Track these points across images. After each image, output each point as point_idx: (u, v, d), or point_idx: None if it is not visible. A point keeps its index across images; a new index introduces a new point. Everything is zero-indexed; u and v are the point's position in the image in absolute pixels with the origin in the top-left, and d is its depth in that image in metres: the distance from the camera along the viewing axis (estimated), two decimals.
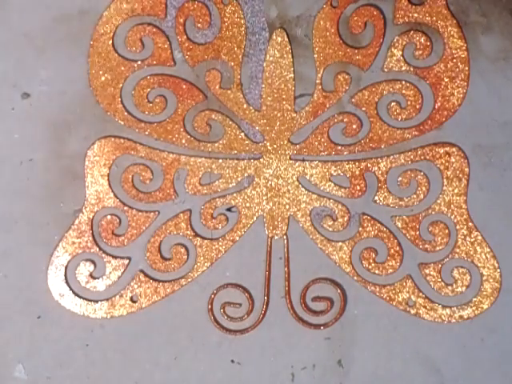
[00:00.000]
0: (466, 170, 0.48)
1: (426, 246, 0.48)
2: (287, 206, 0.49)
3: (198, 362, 0.49)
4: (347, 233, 0.49)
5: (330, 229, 0.49)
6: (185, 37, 0.48)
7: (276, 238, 0.49)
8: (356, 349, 0.49)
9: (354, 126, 0.49)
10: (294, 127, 0.49)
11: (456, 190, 0.48)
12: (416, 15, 0.48)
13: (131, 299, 0.48)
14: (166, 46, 0.48)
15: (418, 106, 0.48)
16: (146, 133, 0.48)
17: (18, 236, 0.48)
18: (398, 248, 0.48)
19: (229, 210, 0.49)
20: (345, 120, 0.49)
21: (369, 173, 0.49)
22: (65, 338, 0.48)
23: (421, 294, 0.48)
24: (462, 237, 0.48)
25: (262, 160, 0.49)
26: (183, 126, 0.49)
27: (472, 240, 0.48)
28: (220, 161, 0.49)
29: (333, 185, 0.49)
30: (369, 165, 0.49)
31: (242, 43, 0.48)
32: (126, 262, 0.48)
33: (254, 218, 0.49)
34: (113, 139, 0.48)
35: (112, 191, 0.48)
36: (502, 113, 0.49)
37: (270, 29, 0.49)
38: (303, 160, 0.49)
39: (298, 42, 0.49)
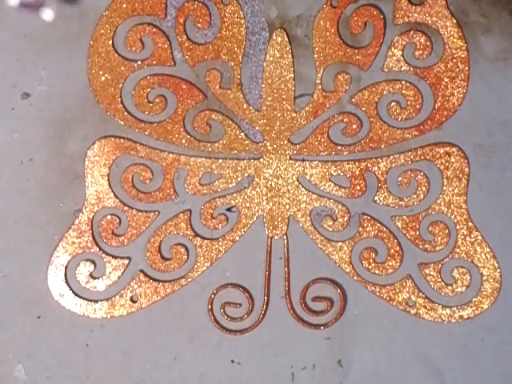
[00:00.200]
0: (466, 170, 0.48)
1: (426, 245, 0.48)
2: (287, 206, 0.49)
3: (198, 362, 0.49)
4: (347, 233, 0.49)
5: (330, 229, 0.49)
6: (185, 37, 0.48)
7: (276, 237, 0.49)
8: (356, 349, 0.49)
9: (354, 126, 0.49)
10: (294, 127, 0.49)
11: (456, 190, 0.48)
12: (416, 15, 0.48)
13: (131, 299, 0.48)
14: (165, 46, 0.48)
15: (418, 106, 0.48)
16: (146, 133, 0.48)
17: (18, 236, 0.48)
18: (397, 248, 0.48)
19: (229, 209, 0.49)
20: (345, 120, 0.49)
21: (369, 173, 0.49)
22: (65, 338, 0.48)
23: (421, 294, 0.48)
24: (462, 237, 0.48)
25: (262, 160, 0.49)
26: (183, 126, 0.49)
27: (472, 240, 0.48)
28: (220, 161, 0.49)
29: (333, 185, 0.49)
30: (369, 165, 0.49)
31: (242, 43, 0.48)
32: (126, 261, 0.48)
33: (254, 218, 0.49)
34: (113, 139, 0.48)
35: (112, 191, 0.48)
36: (502, 113, 0.49)
37: (270, 29, 0.49)
38: (303, 160, 0.49)
39: (298, 42, 0.49)
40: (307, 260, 0.49)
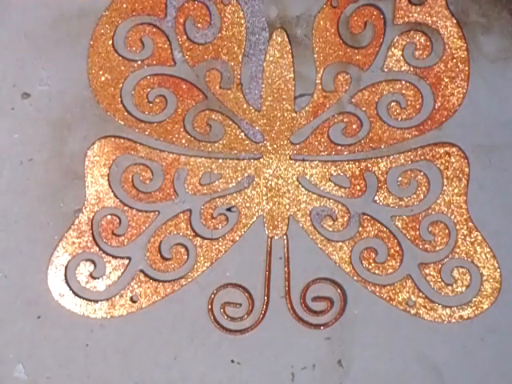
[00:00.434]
0: (466, 170, 0.48)
1: (426, 245, 0.48)
2: (287, 206, 0.49)
3: (198, 362, 0.49)
4: (347, 233, 0.49)
5: (330, 229, 0.49)
6: (185, 37, 0.48)
7: (276, 238, 0.49)
8: (356, 349, 0.49)
9: (354, 126, 0.49)
10: (294, 127, 0.49)
11: (456, 190, 0.48)
12: (416, 15, 0.48)
13: (131, 299, 0.48)
14: (166, 46, 0.48)
15: (418, 106, 0.48)
16: (146, 133, 0.48)
17: (18, 236, 0.48)
18: (398, 248, 0.48)
19: (229, 209, 0.49)
20: (345, 120, 0.49)
21: (369, 173, 0.49)
22: (65, 338, 0.48)
23: (421, 294, 0.48)
24: (462, 237, 0.48)
25: (262, 160, 0.49)
26: (183, 126, 0.49)
27: (472, 240, 0.48)
28: (220, 161, 0.49)
29: (333, 185, 0.49)
30: (369, 165, 0.49)
31: (242, 43, 0.48)
32: (126, 261, 0.48)
33: (254, 218, 0.49)
34: (113, 139, 0.48)
35: (112, 191, 0.48)
36: (502, 113, 0.49)
37: (270, 29, 0.49)
38: (303, 160, 0.49)
39: (298, 42, 0.49)
40: (307, 260, 0.49)
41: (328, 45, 0.48)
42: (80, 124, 0.48)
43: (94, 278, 0.48)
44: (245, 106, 0.49)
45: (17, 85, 0.49)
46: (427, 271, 0.48)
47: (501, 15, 0.49)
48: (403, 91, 0.49)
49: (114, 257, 0.48)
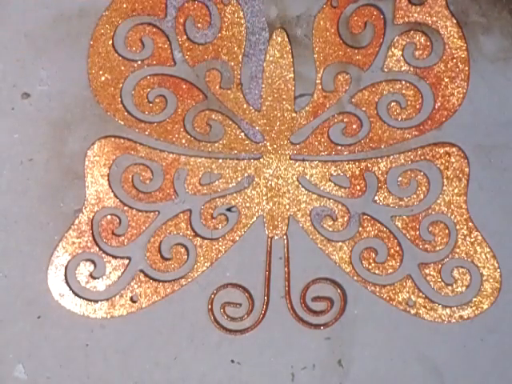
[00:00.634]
0: (466, 170, 0.48)
1: (426, 245, 0.48)
2: (287, 206, 0.49)
3: (198, 362, 0.49)
4: (347, 233, 0.49)
5: (330, 229, 0.49)
6: (185, 37, 0.48)
7: (276, 237, 0.49)
8: (356, 349, 0.49)
9: (354, 126, 0.49)
10: (294, 127, 0.49)
11: (456, 190, 0.48)
12: (416, 15, 0.48)
13: (131, 299, 0.48)
14: (166, 46, 0.48)
15: (418, 106, 0.48)
16: (146, 133, 0.48)
17: (18, 236, 0.48)
18: (398, 248, 0.48)
19: (229, 209, 0.49)
20: (345, 120, 0.49)
21: (369, 173, 0.49)
22: (65, 338, 0.48)
23: (421, 294, 0.48)
24: (462, 237, 0.48)
25: (262, 160, 0.49)
26: (183, 126, 0.49)
27: (472, 240, 0.48)
28: (220, 161, 0.49)
29: (333, 185, 0.49)
30: (369, 165, 0.49)
31: (242, 43, 0.48)
32: (126, 262, 0.48)
33: (254, 218, 0.49)
34: (113, 139, 0.48)
35: (112, 191, 0.48)
36: (502, 113, 0.49)
37: (270, 29, 0.49)
38: (303, 160, 0.49)
39: (298, 42, 0.49)
40: (307, 260, 0.49)
41: (328, 45, 0.48)
42: (80, 124, 0.48)
43: (94, 278, 0.48)
44: (245, 106, 0.49)
45: (17, 85, 0.49)
46: (427, 271, 0.48)
47: (501, 15, 0.49)
48: (403, 91, 0.49)
49: (114, 257, 0.48)
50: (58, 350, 0.48)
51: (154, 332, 0.49)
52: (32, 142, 0.48)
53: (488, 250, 0.48)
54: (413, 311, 0.48)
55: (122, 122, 0.48)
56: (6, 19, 0.49)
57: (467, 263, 0.48)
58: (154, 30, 0.48)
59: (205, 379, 0.49)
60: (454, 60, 0.48)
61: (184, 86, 0.48)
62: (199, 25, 0.49)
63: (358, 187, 0.49)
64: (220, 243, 0.49)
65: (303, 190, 0.49)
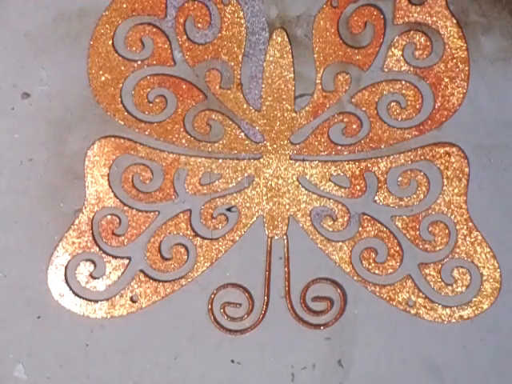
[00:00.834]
0: (466, 170, 0.48)
1: (426, 245, 0.48)
2: (287, 206, 0.49)
3: (198, 362, 0.49)
4: (347, 233, 0.49)
5: (330, 229, 0.49)
6: (185, 37, 0.48)
7: (276, 237, 0.49)
8: (356, 349, 0.49)
9: (354, 126, 0.49)
10: (294, 127, 0.49)
11: (456, 190, 0.48)
12: (416, 15, 0.48)
13: (131, 299, 0.48)
14: (166, 46, 0.48)
15: (418, 106, 0.48)
16: (146, 133, 0.48)
17: (18, 236, 0.48)
18: (398, 248, 0.48)
19: (229, 209, 0.49)
20: (345, 120, 0.49)
21: (369, 173, 0.49)
22: (65, 338, 0.48)
23: (421, 294, 0.48)
24: (462, 237, 0.48)
25: (262, 160, 0.49)
26: (183, 125, 0.49)
27: (472, 240, 0.48)
28: (220, 161, 0.49)
29: (333, 185, 0.49)
30: (369, 165, 0.49)
31: (242, 43, 0.48)
32: (126, 262, 0.48)
33: (254, 218, 0.49)
34: (113, 139, 0.48)
35: (112, 191, 0.48)
36: (502, 113, 0.49)
37: (270, 29, 0.49)
38: (303, 160, 0.49)
39: (298, 42, 0.49)
40: (307, 260, 0.49)
41: (328, 45, 0.48)
42: (80, 124, 0.48)
43: (94, 278, 0.48)
44: (245, 106, 0.49)
45: (17, 85, 0.49)
46: (427, 271, 0.48)
47: (501, 15, 0.49)
48: (403, 91, 0.49)
49: (114, 257, 0.48)
50: (58, 350, 0.48)
51: (153, 332, 0.49)
52: (32, 142, 0.48)
53: (488, 250, 0.48)
54: (413, 311, 0.48)
55: (122, 122, 0.48)
56: (6, 19, 0.49)
57: (467, 263, 0.48)
58: (154, 30, 0.48)
59: (205, 379, 0.49)
60: (454, 60, 0.48)
61: (184, 86, 0.48)
62: (199, 25, 0.49)
63: (358, 187, 0.49)
64: (220, 243, 0.49)
65: (303, 190, 0.49)
